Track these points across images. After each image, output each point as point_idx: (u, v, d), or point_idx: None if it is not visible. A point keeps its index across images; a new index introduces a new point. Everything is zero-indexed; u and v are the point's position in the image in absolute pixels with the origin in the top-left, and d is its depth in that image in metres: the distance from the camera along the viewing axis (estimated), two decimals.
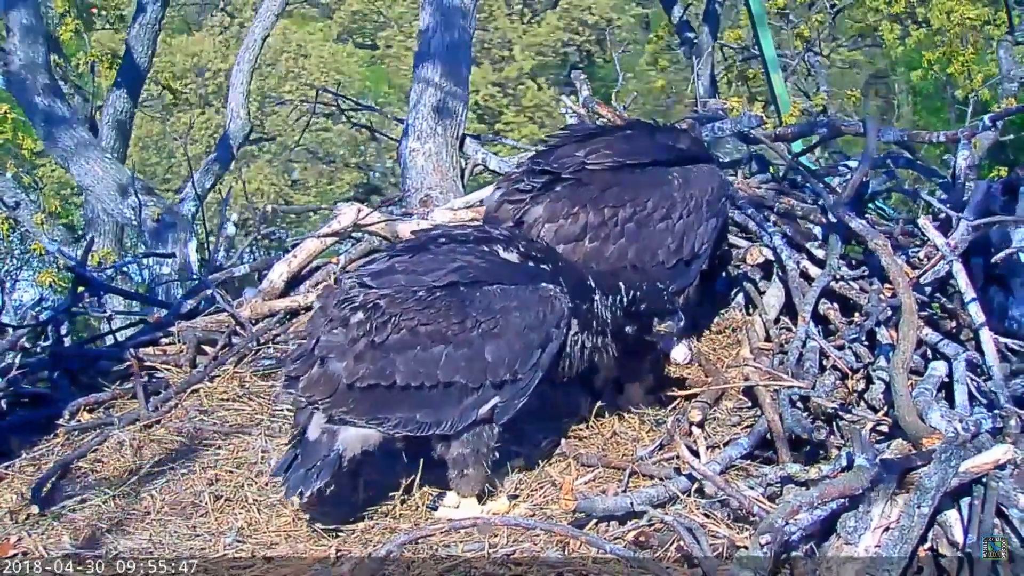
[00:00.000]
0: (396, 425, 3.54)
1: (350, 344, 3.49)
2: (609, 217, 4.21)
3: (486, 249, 3.75)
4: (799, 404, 3.92)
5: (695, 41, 10.54)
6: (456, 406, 3.55)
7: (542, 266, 3.77)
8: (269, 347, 5.24)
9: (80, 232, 11.24)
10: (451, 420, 3.55)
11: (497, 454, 3.69)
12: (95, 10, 10.72)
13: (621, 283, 3.89)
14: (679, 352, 4.02)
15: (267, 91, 17.55)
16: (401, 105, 19.25)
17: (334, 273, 5.75)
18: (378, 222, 5.83)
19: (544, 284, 3.68)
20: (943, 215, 4.69)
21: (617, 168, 4.32)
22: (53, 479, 4.10)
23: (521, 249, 3.79)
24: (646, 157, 4.37)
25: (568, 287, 3.73)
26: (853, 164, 5.55)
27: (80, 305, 5.93)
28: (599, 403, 4.27)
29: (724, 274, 5.05)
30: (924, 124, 15.85)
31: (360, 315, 3.51)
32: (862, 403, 3.98)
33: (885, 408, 3.81)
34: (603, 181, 4.27)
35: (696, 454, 3.71)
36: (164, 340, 5.50)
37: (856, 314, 4.53)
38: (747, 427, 4.03)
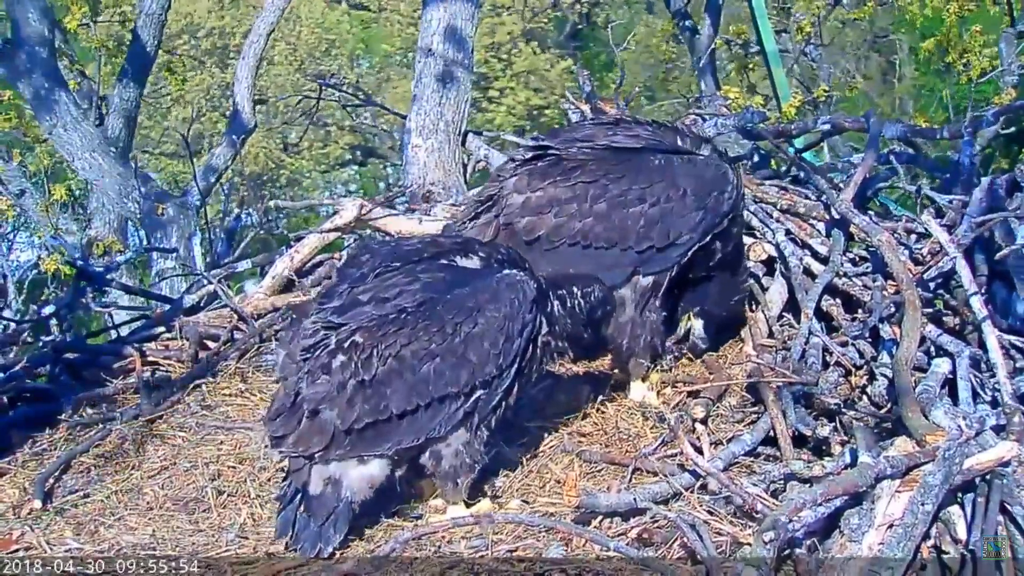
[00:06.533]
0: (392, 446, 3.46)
1: (339, 390, 3.38)
2: (578, 193, 4.16)
3: (444, 263, 3.66)
4: (802, 401, 3.91)
5: (696, 33, 10.47)
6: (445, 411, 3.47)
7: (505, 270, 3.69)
8: (271, 343, 5.24)
9: (89, 216, 11.14)
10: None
11: (486, 459, 3.63)
12: None
13: (576, 288, 3.84)
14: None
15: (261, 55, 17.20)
16: (395, 67, 19.10)
17: (335, 268, 5.76)
18: (381, 217, 5.83)
19: (508, 271, 3.62)
20: (947, 211, 4.68)
21: (600, 149, 4.28)
22: (55, 474, 4.11)
23: (481, 255, 3.72)
24: (636, 145, 4.34)
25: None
26: (856, 159, 5.53)
27: (82, 300, 5.93)
28: (601, 399, 4.27)
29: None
30: (926, 85, 15.65)
31: (341, 357, 3.39)
32: (865, 400, 3.97)
33: (888, 405, 3.81)
34: (580, 159, 4.23)
35: (699, 451, 3.70)
36: (166, 335, 5.51)
37: (859, 311, 4.52)
38: (750, 424, 4.02)
